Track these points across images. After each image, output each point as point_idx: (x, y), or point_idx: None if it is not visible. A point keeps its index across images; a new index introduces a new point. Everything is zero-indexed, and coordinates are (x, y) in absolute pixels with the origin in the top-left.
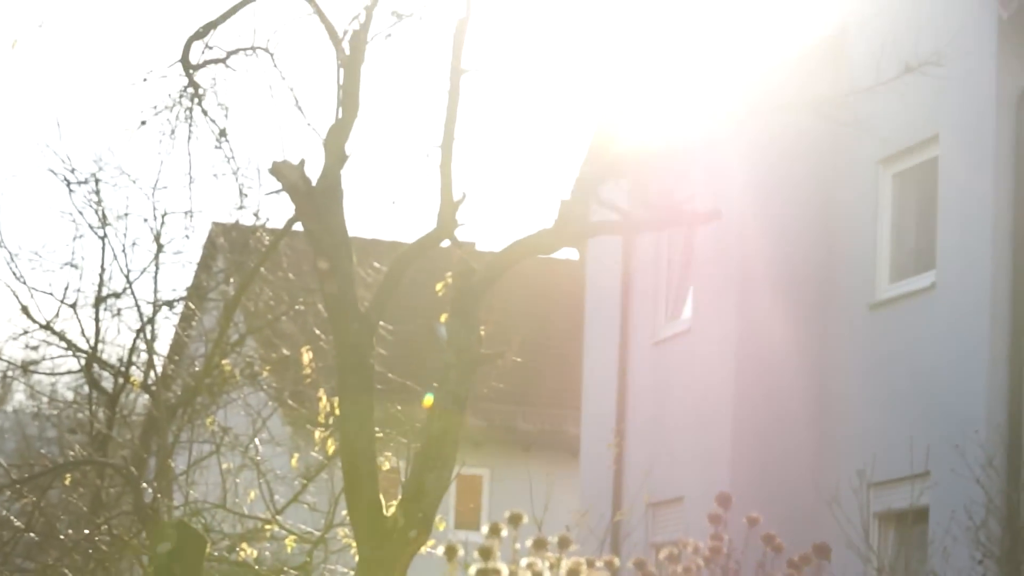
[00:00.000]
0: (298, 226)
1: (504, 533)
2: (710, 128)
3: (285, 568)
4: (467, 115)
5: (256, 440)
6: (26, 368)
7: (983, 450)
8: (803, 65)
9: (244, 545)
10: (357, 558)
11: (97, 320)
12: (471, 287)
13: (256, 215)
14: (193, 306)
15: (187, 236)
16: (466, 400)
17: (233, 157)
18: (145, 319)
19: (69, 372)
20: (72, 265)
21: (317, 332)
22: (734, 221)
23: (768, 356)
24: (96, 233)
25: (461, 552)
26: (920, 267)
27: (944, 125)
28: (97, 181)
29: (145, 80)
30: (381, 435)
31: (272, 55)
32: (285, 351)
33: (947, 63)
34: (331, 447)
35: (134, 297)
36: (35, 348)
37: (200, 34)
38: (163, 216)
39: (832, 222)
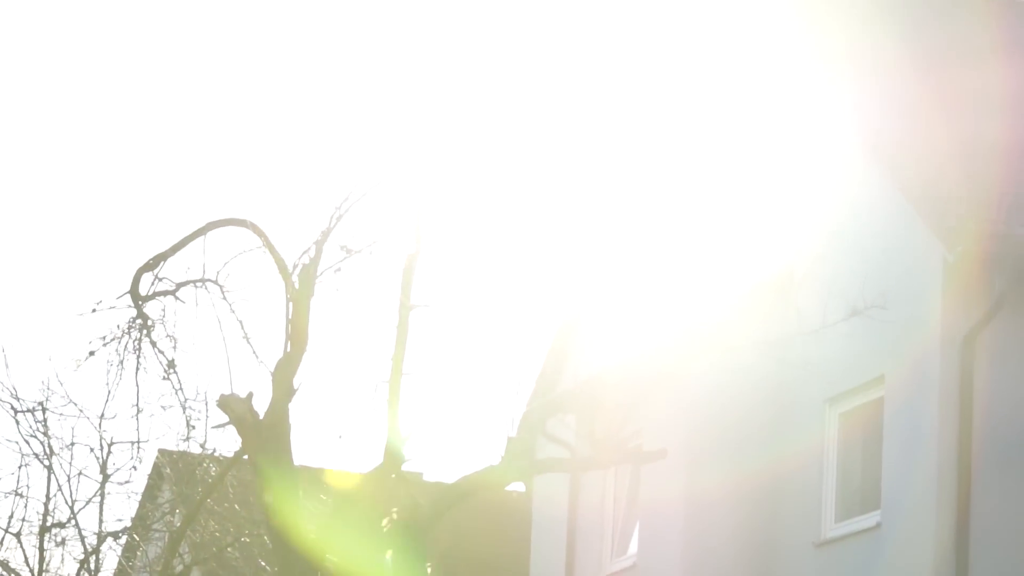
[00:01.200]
0: (246, 456)
1: None
2: (657, 365)
3: None
4: (415, 347)
5: None
6: None
7: None
8: (751, 306)
9: None
10: None
11: (41, 549)
12: (417, 522)
13: (203, 446)
14: (137, 537)
15: (134, 466)
16: None
17: (181, 388)
18: (90, 549)
19: None
20: (17, 494)
21: (263, 564)
22: (681, 458)
23: None
24: (42, 462)
25: None
26: (865, 507)
27: (889, 366)
28: (44, 410)
29: (94, 310)
30: None
31: (222, 287)
32: None
33: (893, 305)
34: None
35: (78, 527)
36: None
37: (150, 266)
38: (109, 446)
39: (778, 460)
